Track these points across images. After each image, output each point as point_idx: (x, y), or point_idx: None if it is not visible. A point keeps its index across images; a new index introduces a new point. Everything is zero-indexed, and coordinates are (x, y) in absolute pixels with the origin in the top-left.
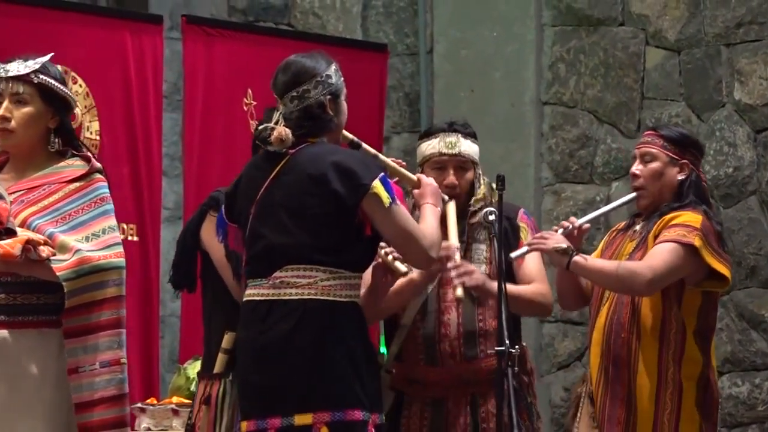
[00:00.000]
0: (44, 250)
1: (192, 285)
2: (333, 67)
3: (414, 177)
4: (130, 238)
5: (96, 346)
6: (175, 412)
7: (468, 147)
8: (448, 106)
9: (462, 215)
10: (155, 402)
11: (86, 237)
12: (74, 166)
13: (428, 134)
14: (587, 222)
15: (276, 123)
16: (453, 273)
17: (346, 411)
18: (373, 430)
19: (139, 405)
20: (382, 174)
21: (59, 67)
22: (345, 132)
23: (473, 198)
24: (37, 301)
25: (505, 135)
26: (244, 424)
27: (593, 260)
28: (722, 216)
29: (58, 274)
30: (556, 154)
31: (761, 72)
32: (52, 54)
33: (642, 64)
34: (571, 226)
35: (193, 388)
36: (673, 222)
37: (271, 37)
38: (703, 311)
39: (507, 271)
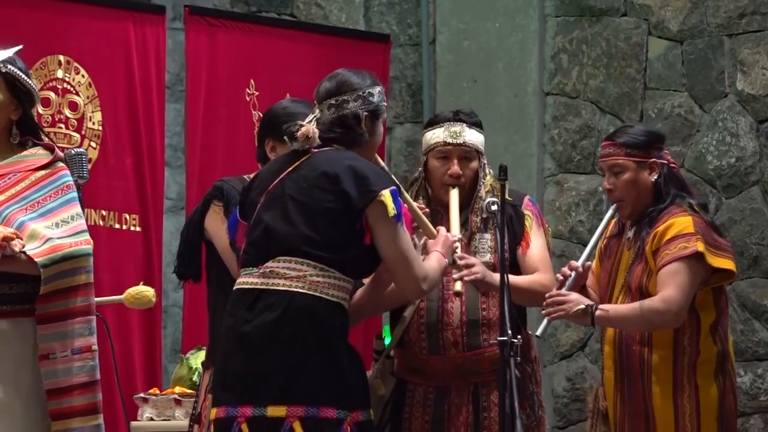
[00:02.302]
0: (17, 245)
1: (197, 275)
2: (378, 88)
3: (433, 229)
4: (132, 228)
5: (68, 333)
6: (178, 402)
7: (473, 136)
8: (451, 97)
9: (466, 205)
10: (158, 392)
11: (56, 223)
12: (38, 155)
13: (433, 123)
14: (588, 259)
15: (308, 123)
16: (454, 266)
17: (321, 408)
18: (348, 429)
19: (141, 395)
20: (394, 188)
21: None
22: (377, 158)
23: (482, 189)
24: (10, 291)
25: (508, 126)
26: (213, 411)
27: (615, 309)
28: (724, 206)
29: (36, 260)
30: (559, 145)
31: (764, 62)
32: (21, 47)
33: (644, 55)
34: (575, 272)
35: (195, 378)
36: (668, 236)
37: (273, 28)
38: (716, 302)
39: (512, 261)
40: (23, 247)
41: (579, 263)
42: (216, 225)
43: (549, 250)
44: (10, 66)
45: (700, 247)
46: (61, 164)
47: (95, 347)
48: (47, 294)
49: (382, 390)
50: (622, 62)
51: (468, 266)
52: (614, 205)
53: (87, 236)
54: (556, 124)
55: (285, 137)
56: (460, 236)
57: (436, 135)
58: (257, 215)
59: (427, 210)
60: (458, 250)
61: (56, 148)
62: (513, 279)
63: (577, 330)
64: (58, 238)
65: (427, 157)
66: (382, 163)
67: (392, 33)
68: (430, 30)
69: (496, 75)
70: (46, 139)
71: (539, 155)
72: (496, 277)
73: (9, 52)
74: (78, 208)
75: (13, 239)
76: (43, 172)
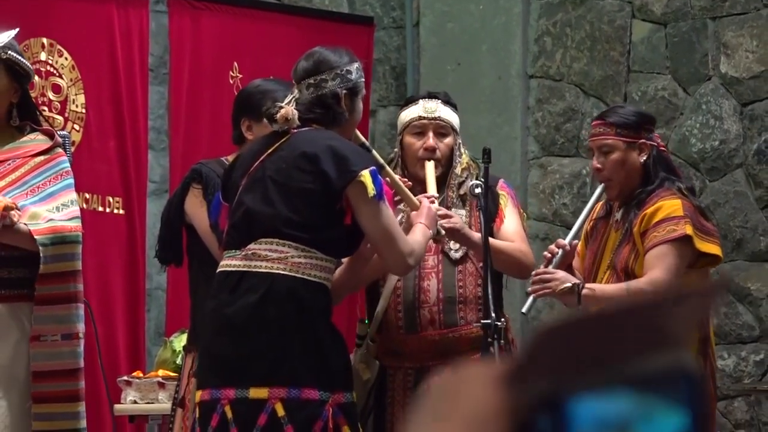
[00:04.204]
0: (15, 215)
1: (179, 259)
2: (355, 65)
3: (416, 200)
4: (116, 211)
5: (62, 317)
6: (161, 385)
7: (447, 113)
8: (435, 80)
9: (442, 182)
10: (141, 375)
11: (57, 207)
12: (37, 140)
13: (408, 102)
14: (575, 238)
15: (287, 104)
16: (437, 237)
17: (303, 389)
18: (331, 409)
19: (125, 378)
20: (374, 168)
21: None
22: (358, 133)
23: (458, 167)
24: (9, 275)
25: (492, 108)
26: (198, 393)
27: (601, 289)
28: (708, 189)
29: (36, 237)
30: (543, 128)
31: (747, 45)
32: (18, 30)
33: (628, 37)
34: (562, 250)
35: (179, 361)
36: (657, 219)
37: (257, 11)
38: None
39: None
40: (21, 217)
41: (566, 241)
42: (196, 207)
43: (524, 227)
44: (10, 51)
45: (689, 230)
46: (59, 150)
47: (81, 334)
48: (47, 275)
49: (367, 374)
50: (605, 45)
51: (445, 215)
52: (602, 184)
53: (80, 223)
54: (539, 107)
55: (264, 119)
56: (436, 194)
57: (411, 112)
58: (239, 198)
59: (410, 183)
60: (436, 204)
61: (56, 134)
62: (493, 241)
63: (560, 312)
64: (60, 220)
65: (403, 136)
66: (363, 138)
67: (376, 16)
68: (414, 12)
69: (479, 58)
70: (45, 123)
71: (523, 138)
72: (476, 235)
73: (7, 36)
74: (74, 195)
75: (12, 209)
76: (42, 158)
